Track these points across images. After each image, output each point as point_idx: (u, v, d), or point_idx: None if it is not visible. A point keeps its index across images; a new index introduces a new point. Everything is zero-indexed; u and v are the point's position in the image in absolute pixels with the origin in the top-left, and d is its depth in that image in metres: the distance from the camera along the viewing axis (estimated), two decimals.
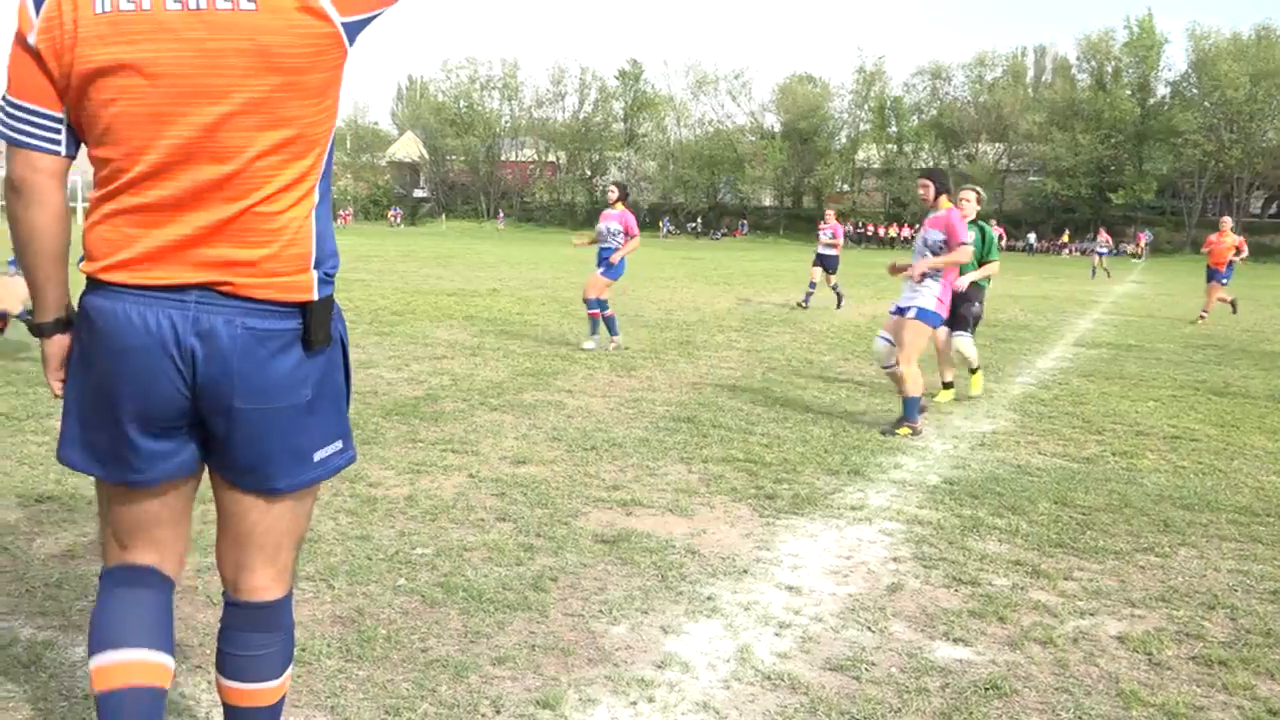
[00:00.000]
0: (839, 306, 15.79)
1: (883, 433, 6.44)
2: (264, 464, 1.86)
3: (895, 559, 4.04)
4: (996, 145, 64.01)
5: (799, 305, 15.82)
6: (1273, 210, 61.01)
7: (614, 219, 9.92)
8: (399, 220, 68.39)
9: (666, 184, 68.45)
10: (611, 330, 9.99)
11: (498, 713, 2.68)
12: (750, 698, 2.83)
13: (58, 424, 5.47)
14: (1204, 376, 9.64)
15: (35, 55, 1.69)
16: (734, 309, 15.55)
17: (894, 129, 65.91)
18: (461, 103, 73.55)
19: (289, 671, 2.04)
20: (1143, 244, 54.13)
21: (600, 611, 3.37)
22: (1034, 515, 4.69)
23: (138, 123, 1.68)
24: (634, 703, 2.77)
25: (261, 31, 1.65)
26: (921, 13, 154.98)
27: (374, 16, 1.79)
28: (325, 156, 1.81)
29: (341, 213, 65.86)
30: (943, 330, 7.52)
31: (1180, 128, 54.87)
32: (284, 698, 2.05)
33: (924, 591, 3.70)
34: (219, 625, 2.03)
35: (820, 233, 16.27)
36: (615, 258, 9.79)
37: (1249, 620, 3.51)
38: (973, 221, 7.68)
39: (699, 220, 66.68)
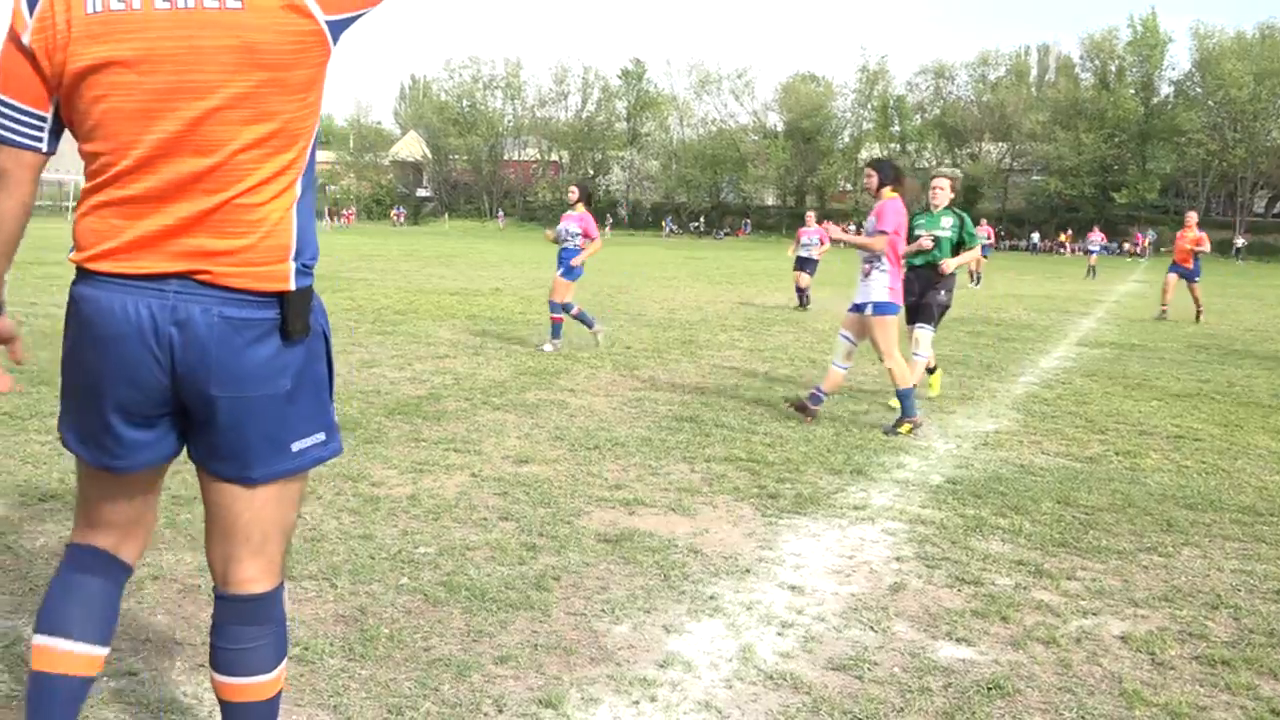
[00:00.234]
0: (804, 306, 15.60)
1: (885, 432, 6.44)
2: (241, 452, 1.87)
3: (898, 559, 4.04)
4: (1000, 144, 63.98)
5: (798, 308, 15.70)
6: (1276, 210, 60.91)
7: (574, 220, 9.83)
8: (402, 219, 68.44)
9: (669, 183, 68.51)
10: (588, 324, 9.94)
11: (500, 712, 2.68)
12: (752, 697, 2.83)
13: None
14: (1207, 376, 9.63)
15: (29, 55, 1.74)
16: (736, 308, 15.55)
17: (897, 128, 65.95)
18: (464, 102, 73.65)
19: (283, 666, 2.04)
20: (1146, 243, 54.11)
21: (603, 611, 3.37)
22: (1037, 515, 4.68)
23: (126, 118, 1.73)
24: (636, 702, 2.77)
25: (247, 29, 1.70)
26: (924, 12, 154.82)
27: (358, 16, 1.84)
28: (308, 151, 1.85)
29: (344, 212, 65.90)
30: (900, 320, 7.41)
31: (1184, 127, 54.85)
32: (280, 693, 2.05)
33: (927, 591, 3.69)
34: (211, 621, 2.04)
35: (802, 236, 16.02)
36: (576, 261, 9.71)
37: (1252, 620, 3.51)
38: (948, 207, 7.67)
39: (702, 220, 66.71)
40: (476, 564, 3.75)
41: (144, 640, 3.01)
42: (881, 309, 6.53)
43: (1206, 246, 16.19)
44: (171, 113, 1.71)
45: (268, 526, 1.97)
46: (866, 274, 6.59)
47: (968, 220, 7.65)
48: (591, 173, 72.18)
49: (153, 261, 1.77)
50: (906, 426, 6.41)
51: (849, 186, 67.40)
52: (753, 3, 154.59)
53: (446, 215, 71.61)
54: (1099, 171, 57.68)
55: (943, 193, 7.70)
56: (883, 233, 6.49)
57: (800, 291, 15.85)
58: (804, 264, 15.84)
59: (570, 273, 9.82)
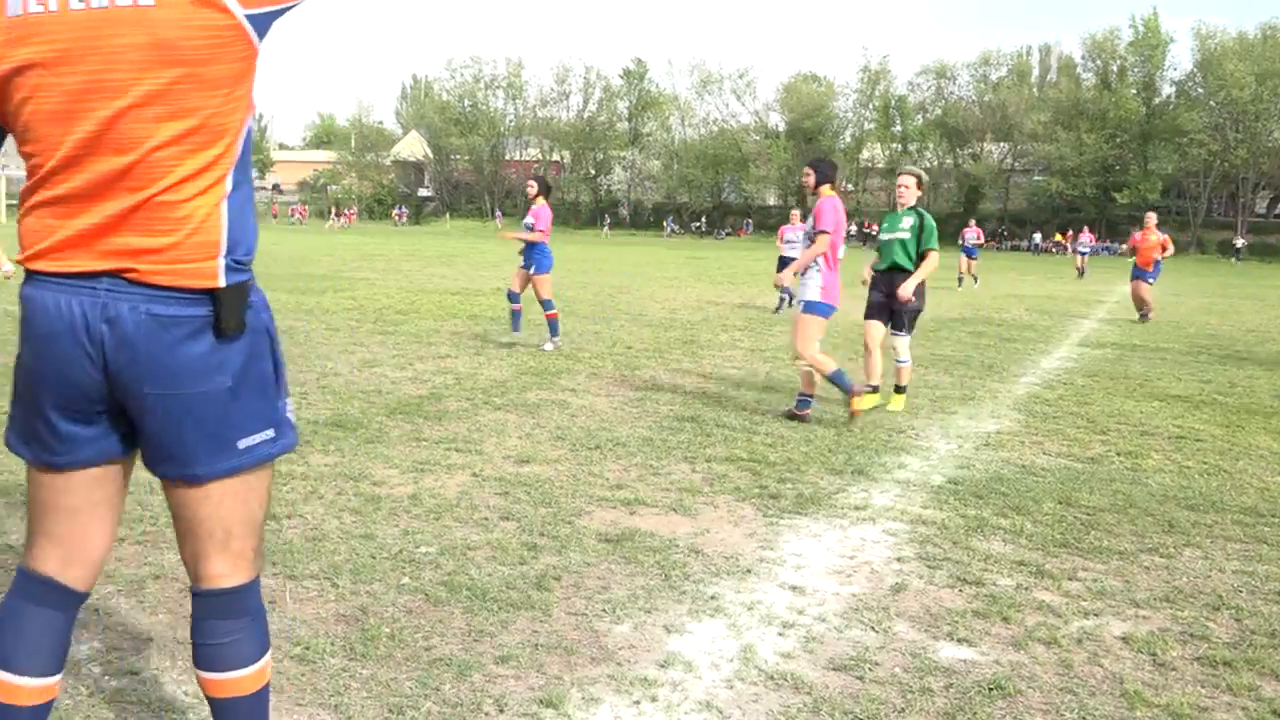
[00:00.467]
0: (780, 309, 14.96)
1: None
2: (181, 450, 1.87)
3: (899, 559, 4.04)
4: (1001, 145, 63.91)
5: (779, 310, 15.00)
6: (1278, 210, 60.86)
7: (530, 214, 9.88)
8: (403, 219, 68.45)
9: (671, 183, 68.49)
10: (552, 330, 9.84)
11: (501, 711, 2.68)
12: (753, 697, 2.83)
13: None
14: (1209, 377, 9.62)
15: None
16: (738, 309, 15.54)
17: (899, 128, 65.87)
18: (466, 102, 73.64)
19: (267, 659, 2.04)
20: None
21: (603, 611, 3.37)
22: (1038, 515, 4.68)
23: (49, 119, 1.75)
24: (637, 702, 2.77)
25: (159, 25, 1.70)
26: (926, 12, 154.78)
27: (283, 10, 1.83)
28: (238, 146, 1.83)
29: (346, 211, 65.93)
30: (875, 327, 7.32)
31: (1185, 127, 54.77)
32: (266, 687, 2.04)
33: (928, 591, 3.69)
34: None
35: (785, 234, 15.49)
36: (508, 235, 9.85)
37: (1254, 621, 3.51)
38: (911, 208, 7.30)
39: (703, 220, 66.69)
40: (478, 564, 3.75)
41: (146, 640, 3.02)
42: (810, 307, 6.67)
43: (1171, 250, 15.98)
44: (89, 112, 1.72)
45: (230, 523, 1.96)
46: (804, 273, 6.73)
47: (928, 219, 7.25)
48: (593, 173, 72.19)
49: (84, 260, 1.78)
50: (855, 402, 6.55)
51: (850, 187, 67.35)
52: (754, 3, 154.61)
53: (448, 215, 71.61)
54: (1100, 172, 57.62)
55: (909, 191, 7.32)
56: (823, 233, 6.56)
57: (787, 292, 15.53)
58: (788, 264, 15.47)
59: (539, 266, 9.77)
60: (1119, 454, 6.08)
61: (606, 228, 64.70)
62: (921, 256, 7.20)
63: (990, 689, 2.91)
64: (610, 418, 6.60)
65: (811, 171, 6.86)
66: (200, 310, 1.81)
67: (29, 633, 1.93)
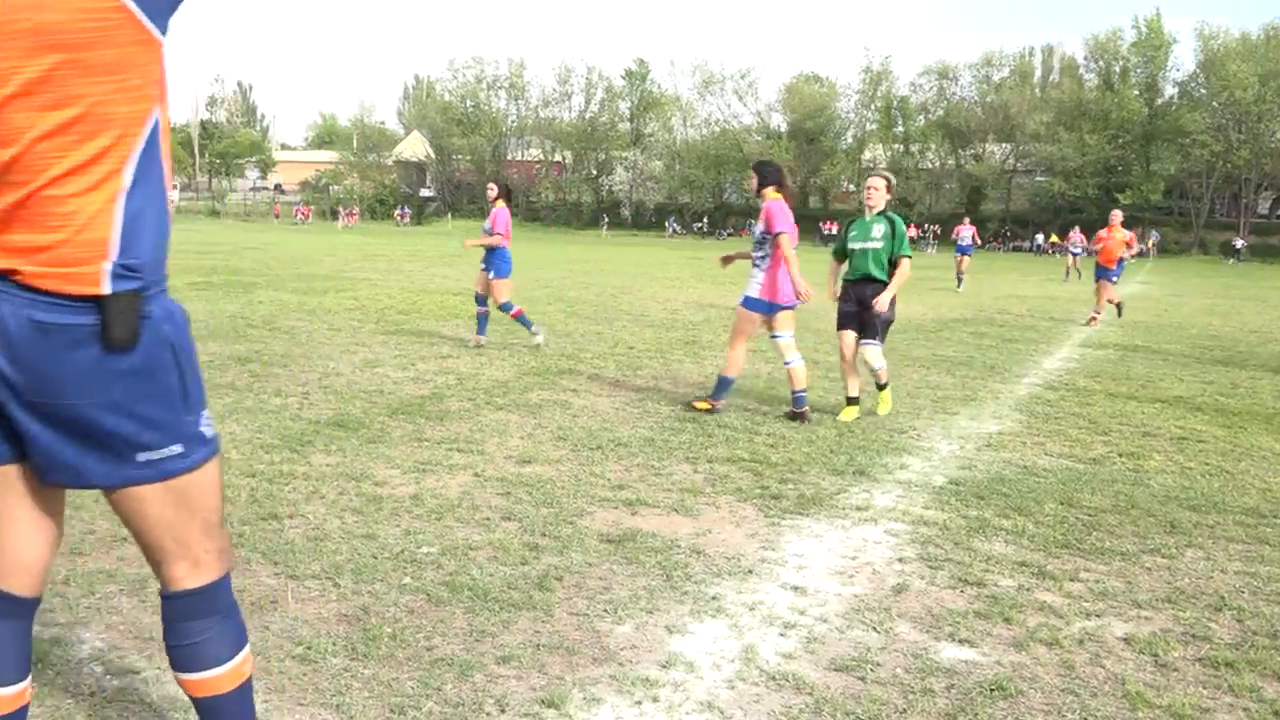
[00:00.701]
0: None
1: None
2: (67, 460, 1.79)
3: (900, 560, 4.04)
4: (1003, 145, 63.83)
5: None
6: None
7: (489, 218, 9.86)
8: (405, 219, 68.47)
9: (672, 184, 68.46)
10: (527, 325, 9.83)
11: (502, 711, 2.68)
12: (755, 698, 2.83)
13: None
14: (1211, 378, 9.61)
15: None
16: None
17: (900, 129, 65.77)
18: (468, 102, 73.61)
19: (243, 656, 2.02)
20: (1151, 244, 54.03)
21: (605, 611, 3.37)
22: (1040, 516, 4.68)
23: None
24: (639, 702, 2.77)
25: (38, 8, 1.63)
26: (928, 13, 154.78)
27: None
28: (135, 141, 1.73)
29: (347, 211, 65.99)
30: (850, 337, 7.07)
31: (1188, 128, 54.69)
32: (246, 684, 2.03)
33: (929, 592, 3.69)
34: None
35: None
36: (471, 243, 9.74)
37: (1256, 622, 3.50)
38: (881, 213, 6.95)
39: (705, 220, 66.65)
40: (479, 564, 3.76)
41: (147, 639, 3.02)
42: (746, 303, 6.90)
43: (1136, 248, 15.88)
44: None
45: (176, 530, 1.91)
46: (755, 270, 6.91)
47: (899, 225, 6.91)
48: (595, 173, 72.14)
49: None
50: (704, 404, 6.90)
51: (852, 187, 67.22)
52: (756, 3, 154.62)
53: (450, 215, 71.62)
54: (1103, 172, 57.54)
55: (878, 193, 6.97)
56: (782, 233, 6.64)
57: None
58: None
59: (497, 270, 9.76)
60: (1121, 455, 6.08)
61: (605, 228, 64.61)
62: (894, 264, 6.93)
63: (992, 690, 2.91)
64: (612, 418, 6.60)
65: (755, 175, 6.92)
66: (85, 319, 1.71)
67: None
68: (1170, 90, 60.65)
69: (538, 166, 73.66)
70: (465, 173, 75.52)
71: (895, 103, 65.66)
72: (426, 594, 3.45)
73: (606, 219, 66.01)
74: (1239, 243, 52.43)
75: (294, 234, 46.65)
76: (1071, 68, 64.06)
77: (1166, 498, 5.10)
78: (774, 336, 7.03)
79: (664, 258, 34.86)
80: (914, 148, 65.21)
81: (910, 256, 6.98)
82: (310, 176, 78.00)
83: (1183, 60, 76.80)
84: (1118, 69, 60.65)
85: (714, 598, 3.54)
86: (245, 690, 2.03)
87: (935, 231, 55.42)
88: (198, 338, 7.60)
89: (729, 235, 64.32)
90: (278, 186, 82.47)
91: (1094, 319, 14.98)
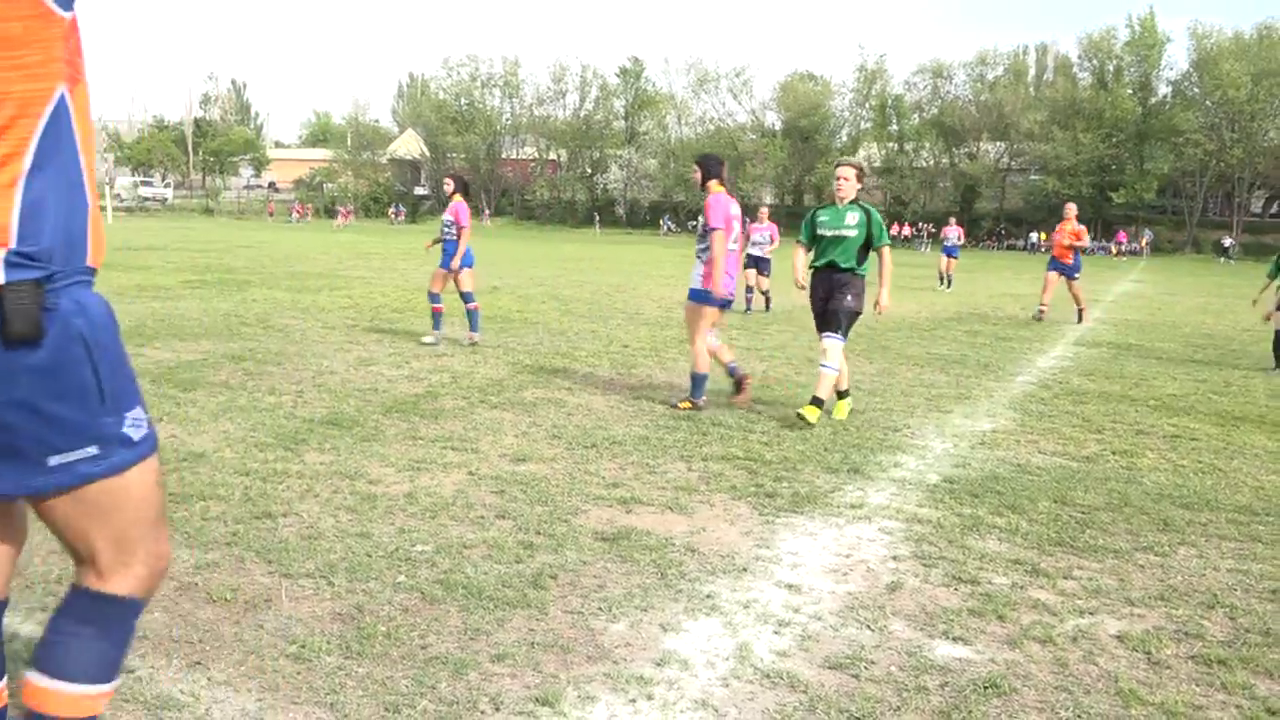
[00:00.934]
0: (767, 309, 14.68)
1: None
2: None
3: (895, 557, 4.05)
4: (998, 144, 63.91)
5: (748, 311, 14.43)
6: (1274, 210, 60.98)
7: (448, 212, 9.83)
8: (400, 218, 68.37)
9: (667, 182, 68.39)
10: (472, 325, 9.84)
11: (497, 710, 2.68)
12: (749, 696, 2.83)
13: None
14: (1204, 376, 9.64)
15: None
16: (734, 307, 15.54)
17: (895, 127, 65.82)
18: (462, 100, 73.53)
19: (96, 691, 1.85)
20: (1144, 243, 54.14)
21: (599, 609, 3.37)
22: (1034, 514, 4.69)
23: None
24: (633, 700, 2.77)
25: None
26: (923, 11, 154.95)
27: None
28: (34, 121, 1.65)
29: (342, 209, 65.89)
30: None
31: (1181, 127, 54.81)
32: None
33: (923, 590, 3.70)
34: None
35: (753, 234, 14.87)
36: (456, 260, 9.64)
37: (1248, 619, 3.52)
38: (853, 202, 6.71)
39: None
40: (474, 562, 3.75)
41: (140, 638, 3.01)
42: (693, 295, 6.96)
43: (1086, 241, 15.10)
44: None
45: (88, 538, 1.81)
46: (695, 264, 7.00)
47: (875, 215, 6.67)
48: (590, 171, 72.10)
49: None
50: (685, 404, 6.90)
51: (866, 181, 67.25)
52: (751, 2, 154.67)
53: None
54: (1097, 171, 57.63)
55: (848, 183, 6.72)
56: (715, 229, 6.77)
57: (751, 292, 14.65)
58: (755, 263, 14.63)
59: (447, 261, 9.72)
60: (1114, 453, 6.10)
61: (599, 226, 64.53)
62: (873, 252, 6.72)
63: (985, 687, 2.92)
64: (606, 416, 6.60)
65: (698, 168, 7.07)
66: None
67: None
68: (1164, 89, 60.79)
69: (532, 164, 73.59)
70: (460, 171, 75.38)
71: (890, 101, 65.70)
72: (421, 592, 3.44)
73: (599, 217, 65.92)
74: (1228, 241, 52.57)
75: (288, 232, 46.56)
76: (1065, 66, 64.15)
77: (1159, 495, 5.11)
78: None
79: (658, 256, 34.87)
80: (908, 146, 65.26)
81: (889, 245, 6.75)
82: (304, 174, 77.83)
83: (1176, 59, 76.91)
84: (1111, 68, 60.76)
85: (708, 596, 3.55)
86: None
87: (929, 230, 55.47)
88: (191, 335, 7.59)
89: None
90: (271, 184, 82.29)
91: (1081, 313, 14.82)
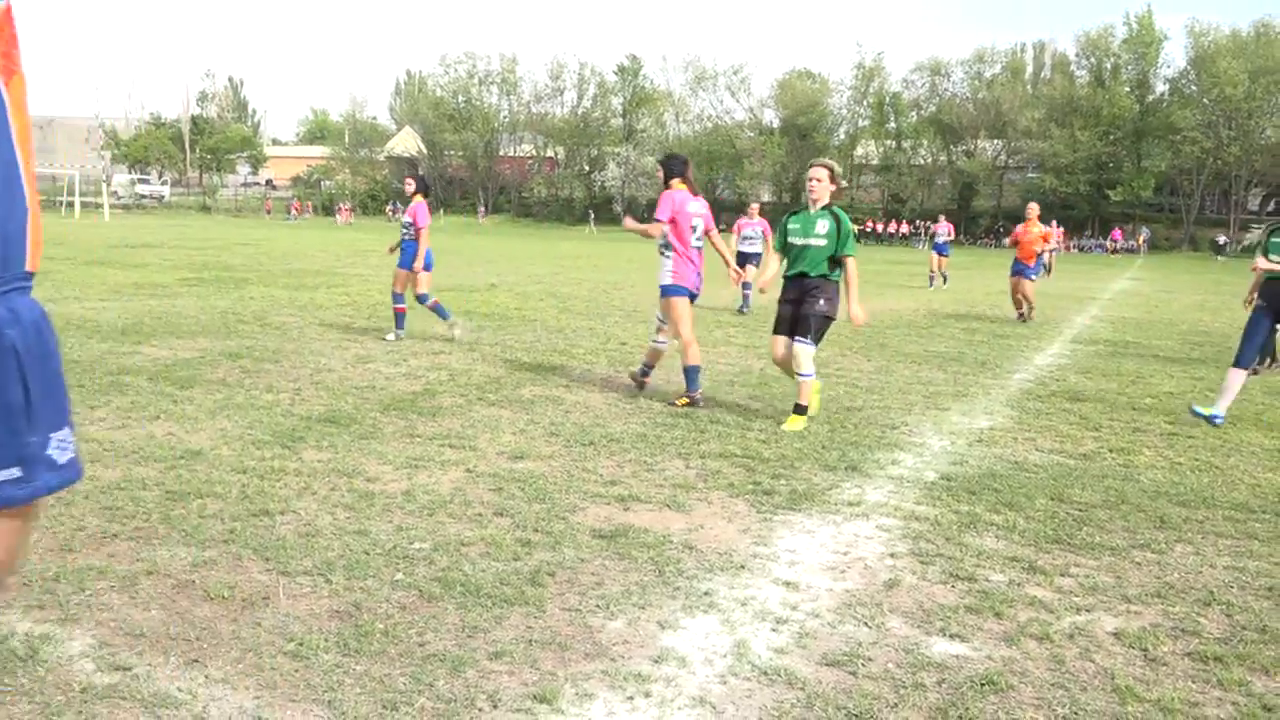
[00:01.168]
0: (744, 309, 14.19)
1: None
2: None
3: (892, 555, 4.05)
4: (995, 142, 63.98)
5: (741, 310, 14.11)
6: (1270, 207, 61.04)
7: (408, 213, 9.85)
8: (397, 215, 68.28)
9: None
10: (442, 316, 9.82)
11: (495, 707, 2.68)
12: (747, 693, 2.83)
13: None
14: (1201, 374, 9.65)
15: None
16: (732, 305, 15.54)
17: (893, 125, 65.87)
18: (460, 98, 73.47)
19: None
20: (1141, 240, 54.19)
21: (597, 606, 3.37)
22: (1031, 511, 4.70)
23: None
24: (630, 697, 2.77)
25: None
26: (921, 9, 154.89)
27: None
28: None
29: (341, 207, 65.83)
30: (781, 343, 6.57)
31: (1179, 125, 54.87)
32: None
33: (921, 587, 3.70)
34: None
35: (743, 229, 14.66)
36: (418, 261, 9.69)
37: (1244, 616, 3.52)
38: (825, 207, 6.44)
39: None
40: (471, 560, 3.75)
41: (138, 636, 3.01)
42: (665, 291, 7.10)
43: (1054, 243, 14.68)
44: None
45: None
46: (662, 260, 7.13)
47: (845, 221, 6.39)
48: (587, 169, 72.08)
49: None
50: (683, 401, 6.94)
51: (844, 183, 67.05)
52: None
53: (442, 211, 71.49)
54: (1094, 169, 57.70)
55: (821, 185, 6.46)
56: (658, 221, 7.03)
57: (748, 289, 14.15)
58: (746, 259, 14.44)
59: (406, 262, 9.74)
60: (1111, 450, 6.10)
61: (593, 223, 64.41)
62: (839, 264, 6.45)
63: (982, 684, 2.92)
64: (604, 414, 6.60)
65: (661, 169, 7.30)
66: None
67: None
68: (1161, 87, 60.86)
69: (530, 162, 73.57)
70: (458, 168, 75.39)
71: (887, 99, 65.72)
72: (418, 590, 3.44)
73: (594, 215, 65.73)
74: (1223, 239, 52.60)
75: (286, 230, 46.51)
76: (1063, 64, 64.19)
77: (1156, 493, 5.12)
78: (663, 319, 7.30)
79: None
80: (906, 144, 65.31)
81: (854, 255, 6.45)
82: (302, 172, 77.74)
83: (1173, 57, 76.75)
84: (1109, 65, 60.80)
85: (706, 593, 3.55)
86: None
87: (927, 227, 55.49)
88: (188, 333, 7.57)
89: (721, 230, 64.25)
90: (269, 182, 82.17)
91: (1029, 314, 14.30)
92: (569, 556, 3.84)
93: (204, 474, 4.74)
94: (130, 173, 75.03)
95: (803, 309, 6.46)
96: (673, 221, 7.00)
